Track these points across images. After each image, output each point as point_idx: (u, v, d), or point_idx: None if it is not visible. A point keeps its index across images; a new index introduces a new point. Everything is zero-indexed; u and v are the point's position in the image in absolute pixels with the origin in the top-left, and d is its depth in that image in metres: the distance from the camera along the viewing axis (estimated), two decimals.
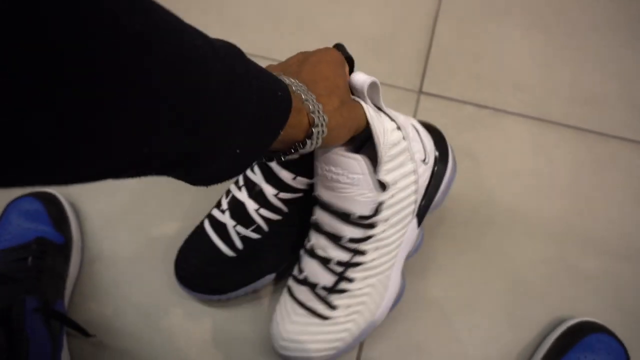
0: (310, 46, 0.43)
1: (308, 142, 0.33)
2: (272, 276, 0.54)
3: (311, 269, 0.47)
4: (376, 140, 0.40)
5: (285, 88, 0.30)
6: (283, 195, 0.48)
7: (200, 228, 0.53)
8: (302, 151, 0.34)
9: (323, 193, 0.44)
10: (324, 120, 0.33)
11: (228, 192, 0.52)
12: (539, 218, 0.61)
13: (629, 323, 0.55)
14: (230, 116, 0.25)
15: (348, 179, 0.41)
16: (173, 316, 0.55)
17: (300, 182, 0.47)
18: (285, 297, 0.50)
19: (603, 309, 0.56)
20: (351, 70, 0.49)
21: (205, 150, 0.25)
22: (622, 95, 0.72)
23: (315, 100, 0.33)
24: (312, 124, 0.32)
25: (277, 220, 0.50)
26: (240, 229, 0.50)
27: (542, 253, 0.59)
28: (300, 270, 0.48)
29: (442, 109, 0.70)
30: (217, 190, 0.62)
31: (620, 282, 0.57)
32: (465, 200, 0.63)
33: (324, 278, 0.46)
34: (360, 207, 0.43)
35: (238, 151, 0.27)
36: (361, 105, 0.40)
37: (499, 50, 0.76)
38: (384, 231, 0.45)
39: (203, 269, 0.52)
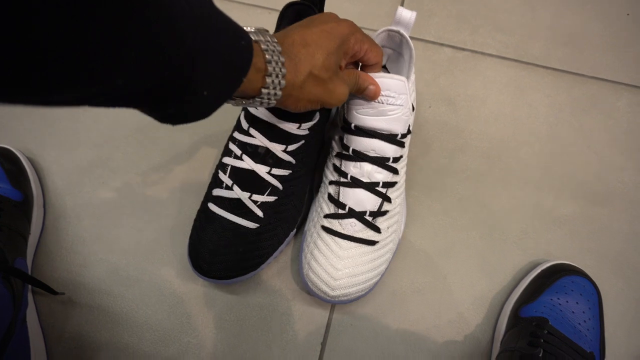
0: None
1: (258, 99, 0.35)
2: (293, 232, 0.53)
3: (356, 198, 0.48)
4: (412, 58, 0.49)
5: (248, 40, 0.31)
6: (290, 147, 0.48)
7: (206, 215, 0.49)
8: (250, 104, 0.36)
9: (368, 121, 0.46)
10: (278, 86, 0.34)
11: (223, 167, 0.49)
12: (515, 163, 0.60)
13: (602, 265, 0.55)
14: (197, 53, 0.26)
15: (398, 100, 0.45)
16: (142, 271, 0.53)
17: (303, 129, 0.48)
18: (320, 241, 0.49)
19: (577, 252, 0.56)
20: (321, 9, 0.46)
21: (172, 87, 0.26)
22: (602, 36, 0.69)
23: (280, 64, 0.34)
24: (263, 86, 0.33)
25: (289, 175, 0.49)
26: (256, 197, 0.48)
27: (518, 198, 0.58)
28: (340, 206, 0.48)
29: (418, 52, 0.67)
30: (181, 146, 0.60)
31: (595, 226, 0.57)
32: (441, 146, 0.61)
33: (370, 203, 0.48)
34: (402, 126, 0.47)
35: (205, 93, 0.28)
36: (343, 85, 0.40)
37: None
38: (407, 148, 0.50)
39: (232, 255, 0.48)
